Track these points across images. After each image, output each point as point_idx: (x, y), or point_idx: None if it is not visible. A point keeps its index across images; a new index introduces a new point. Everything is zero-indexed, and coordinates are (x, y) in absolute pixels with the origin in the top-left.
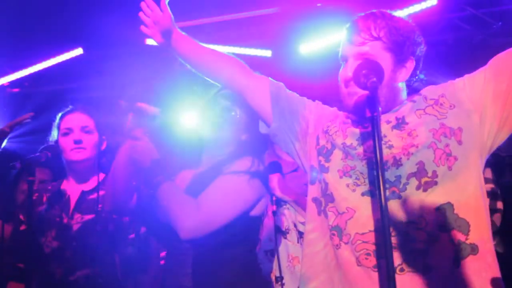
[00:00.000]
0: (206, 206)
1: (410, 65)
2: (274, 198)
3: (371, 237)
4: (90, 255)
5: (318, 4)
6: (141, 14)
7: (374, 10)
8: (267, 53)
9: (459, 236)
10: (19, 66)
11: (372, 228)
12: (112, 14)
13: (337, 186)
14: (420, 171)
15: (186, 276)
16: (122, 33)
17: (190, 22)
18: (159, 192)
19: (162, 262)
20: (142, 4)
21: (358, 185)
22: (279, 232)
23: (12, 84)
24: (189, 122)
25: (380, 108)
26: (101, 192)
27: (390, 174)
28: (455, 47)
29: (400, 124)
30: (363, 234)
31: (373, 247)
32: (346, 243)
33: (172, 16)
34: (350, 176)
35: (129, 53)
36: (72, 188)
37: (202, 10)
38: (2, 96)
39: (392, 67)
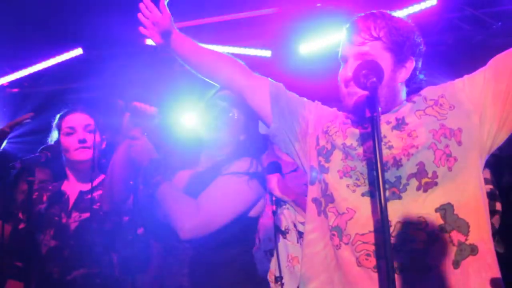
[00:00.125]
0: (206, 207)
1: (410, 65)
2: (273, 198)
3: (371, 238)
4: (87, 254)
5: (318, 4)
6: (139, 15)
7: (373, 11)
8: (267, 53)
9: (459, 236)
10: (18, 66)
11: (372, 228)
12: (112, 14)
13: (337, 186)
14: (420, 172)
15: (185, 275)
16: (122, 33)
17: (190, 22)
18: (158, 192)
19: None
20: (141, 5)
21: (358, 186)
22: (279, 232)
23: (12, 84)
24: (187, 122)
25: (380, 108)
26: (99, 192)
27: (390, 175)
28: (454, 47)
29: (400, 124)
30: (363, 234)
31: (373, 248)
32: (346, 244)
33: (171, 17)
34: (350, 177)
35: (129, 53)
36: (72, 188)
37: (202, 10)
38: (1, 96)
39: (392, 67)
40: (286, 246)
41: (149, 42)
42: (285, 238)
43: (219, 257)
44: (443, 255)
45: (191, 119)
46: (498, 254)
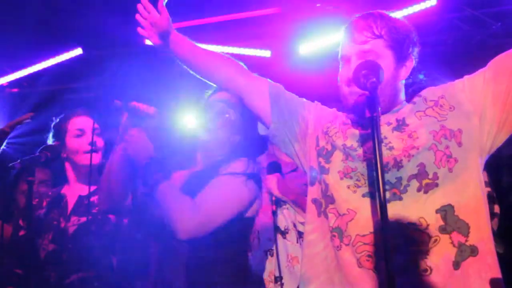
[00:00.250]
0: (204, 207)
1: (410, 64)
2: (273, 198)
3: (372, 239)
4: (86, 257)
5: (318, 5)
6: (137, 16)
7: (371, 11)
8: (267, 53)
9: (459, 237)
10: (18, 66)
11: (373, 229)
12: (111, 14)
13: (337, 187)
14: (421, 173)
15: (182, 275)
16: (122, 33)
17: (190, 22)
18: (157, 192)
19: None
20: (139, 6)
21: (358, 187)
22: (279, 231)
23: (11, 84)
24: (186, 122)
25: (380, 108)
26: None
27: (390, 176)
28: (454, 47)
29: (400, 125)
30: (364, 235)
31: (374, 249)
32: (346, 245)
33: (169, 17)
34: (351, 178)
35: (129, 53)
36: (71, 193)
37: (202, 10)
38: (1, 96)
39: (394, 65)
40: (286, 246)
41: (149, 42)
42: (284, 238)
43: (217, 257)
44: (443, 257)
45: (189, 120)
46: (498, 255)
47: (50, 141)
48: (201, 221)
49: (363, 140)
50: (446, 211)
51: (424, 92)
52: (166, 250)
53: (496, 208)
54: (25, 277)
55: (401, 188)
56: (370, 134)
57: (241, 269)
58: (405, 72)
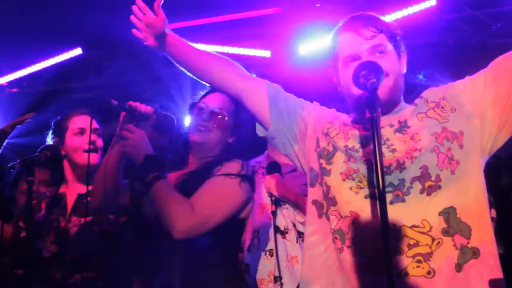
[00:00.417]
0: (200, 208)
1: (404, 58)
2: (273, 198)
3: (375, 241)
4: (89, 258)
5: (317, 5)
6: (132, 17)
7: (360, 13)
8: (266, 53)
9: (461, 240)
10: (17, 66)
11: (375, 231)
12: (111, 14)
13: (339, 189)
14: (424, 175)
15: (176, 274)
16: (122, 33)
17: (190, 22)
18: (152, 191)
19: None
20: (134, 7)
21: (361, 188)
22: (278, 231)
23: (11, 84)
24: (184, 122)
25: (379, 109)
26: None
27: (393, 178)
28: (454, 47)
29: (402, 127)
30: (366, 238)
31: (376, 251)
32: (348, 247)
33: (165, 18)
34: (353, 179)
35: (129, 53)
36: (70, 192)
37: (202, 10)
38: (0, 96)
39: (396, 57)
40: (286, 246)
41: None
42: (284, 238)
43: (210, 257)
44: (446, 259)
45: (185, 120)
46: (498, 255)
47: (49, 138)
48: (197, 221)
49: (365, 142)
50: (448, 214)
51: (425, 94)
52: (160, 250)
53: (493, 213)
54: (27, 278)
55: (404, 190)
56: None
57: (234, 269)
58: (403, 66)
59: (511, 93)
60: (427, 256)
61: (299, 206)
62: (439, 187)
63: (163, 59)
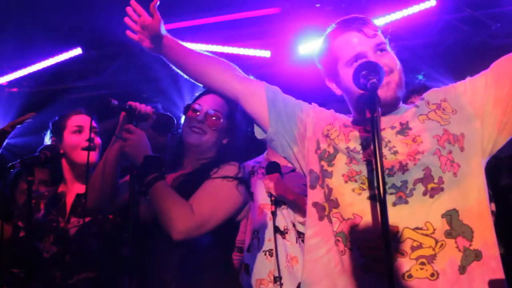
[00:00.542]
0: (200, 209)
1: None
2: (273, 198)
3: (378, 243)
4: (89, 258)
5: (317, 5)
6: (126, 19)
7: (353, 15)
8: (266, 53)
9: (464, 242)
10: (17, 66)
11: (379, 234)
12: (111, 14)
13: (342, 191)
14: (427, 177)
15: (172, 275)
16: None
17: (190, 22)
18: (152, 192)
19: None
20: (128, 9)
21: (363, 190)
22: (278, 232)
23: (11, 83)
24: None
25: (380, 109)
26: None
27: (396, 179)
28: (453, 48)
29: (404, 129)
30: (369, 240)
31: (379, 253)
32: (351, 249)
33: (161, 20)
34: (356, 181)
35: (129, 53)
36: (69, 191)
37: (202, 10)
38: (0, 95)
39: (394, 54)
40: (285, 246)
41: None
42: (284, 238)
43: (206, 258)
44: (450, 261)
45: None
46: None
47: (48, 138)
48: (196, 222)
49: (366, 143)
50: (451, 216)
51: (426, 95)
52: (155, 250)
53: (492, 207)
54: (28, 279)
55: (407, 192)
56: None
57: (229, 270)
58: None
59: None
60: (431, 258)
61: (299, 206)
62: (442, 189)
63: (163, 59)
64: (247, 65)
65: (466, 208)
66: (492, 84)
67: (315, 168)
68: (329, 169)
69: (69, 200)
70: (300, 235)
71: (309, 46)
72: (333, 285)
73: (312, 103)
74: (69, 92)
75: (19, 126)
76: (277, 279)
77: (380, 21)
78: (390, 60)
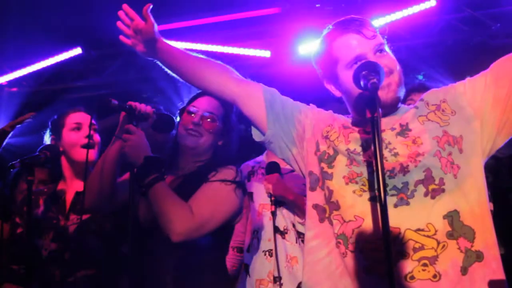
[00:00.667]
0: (199, 211)
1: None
2: (272, 198)
3: (380, 245)
4: (89, 255)
5: (317, 5)
6: (119, 23)
7: (350, 16)
8: (266, 53)
9: (465, 243)
10: (17, 65)
11: (380, 235)
12: (111, 14)
13: (343, 193)
14: (428, 179)
15: (169, 277)
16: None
17: (190, 22)
18: (152, 192)
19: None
20: (120, 13)
21: (364, 191)
22: (278, 232)
23: (10, 83)
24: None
25: (380, 110)
26: None
27: (397, 181)
28: (453, 48)
29: (404, 131)
30: (371, 242)
31: (382, 255)
32: (352, 251)
33: (155, 24)
34: (356, 183)
35: (129, 53)
36: (68, 189)
37: (202, 10)
38: (0, 95)
39: (393, 55)
40: (285, 246)
41: None
42: (284, 238)
43: (206, 259)
44: (452, 262)
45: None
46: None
47: (48, 136)
48: (195, 225)
49: (366, 144)
50: (452, 217)
51: (426, 96)
52: (154, 251)
53: (491, 206)
54: (26, 276)
55: (408, 193)
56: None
57: (224, 272)
58: None
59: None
60: (433, 260)
61: (299, 207)
62: (443, 191)
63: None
64: (247, 65)
65: (467, 209)
66: (491, 84)
67: (314, 170)
68: (329, 171)
69: (69, 197)
70: (300, 235)
71: (309, 46)
72: (335, 287)
73: (310, 104)
74: (69, 92)
75: (19, 126)
76: (277, 279)
77: (380, 21)
78: (389, 61)
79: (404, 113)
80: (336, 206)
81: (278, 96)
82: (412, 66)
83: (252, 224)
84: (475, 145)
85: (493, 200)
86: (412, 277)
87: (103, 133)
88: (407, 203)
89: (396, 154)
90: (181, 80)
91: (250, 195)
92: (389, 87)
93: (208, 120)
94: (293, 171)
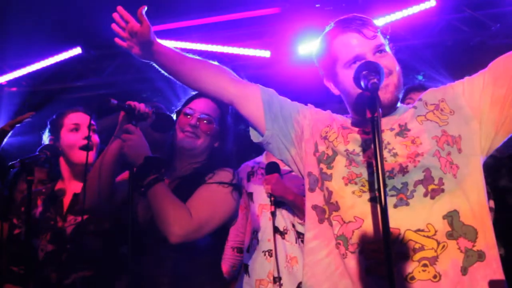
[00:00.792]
0: (198, 213)
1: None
2: (272, 199)
3: (380, 245)
4: (86, 257)
5: (317, 5)
6: (114, 26)
7: (353, 14)
8: (266, 53)
9: (466, 243)
10: (17, 65)
11: (380, 236)
12: (111, 14)
13: (342, 194)
14: (427, 179)
15: (166, 278)
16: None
17: (190, 22)
18: (151, 193)
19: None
20: (115, 15)
21: (363, 192)
22: (278, 232)
23: (10, 83)
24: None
25: (380, 110)
26: None
27: (396, 181)
28: (453, 48)
29: (403, 131)
30: (372, 243)
31: (382, 256)
32: (352, 252)
33: (150, 26)
34: (356, 184)
35: (128, 53)
36: (66, 189)
37: (202, 10)
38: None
39: (393, 55)
40: (285, 246)
41: None
42: (283, 238)
43: (199, 261)
44: (452, 262)
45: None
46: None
47: (46, 136)
48: (194, 226)
49: (365, 145)
50: (452, 217)
51: (424, 96)
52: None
53: (491, 203)
54: (25, 277)
55: (408, 193)
56: (373, 138)
57: (220, 274)
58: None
59: (510, 94)
60: (433, 260)
61: (298, 207)
62: (443, 191)
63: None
64: (246, 65)
65: (467, 209)
66: (489, 83)
67: (313, 170)
68: (329, 171)
69: (67, 198)
70: (299, 236)
71: (309, 46)
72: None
73: (308, 104)
74: (69, 91)
75: (18, 125)
76: (277, 279)
77: (380, 21)
78: (389, 62)
79: (402, 113)
80: (335, 207)
81: (276, 97)
82: (412, 66)
83: (252, 224)
84: (474, 144)
85: (493, 198)
86: (413, 278)
87: (102, 132)
88: (407, 204)
89: (395, 155)
90: (178, 82)
91: (250, 195)
92: (387, 88)
93: (205, 122)
94: (292, 171)
